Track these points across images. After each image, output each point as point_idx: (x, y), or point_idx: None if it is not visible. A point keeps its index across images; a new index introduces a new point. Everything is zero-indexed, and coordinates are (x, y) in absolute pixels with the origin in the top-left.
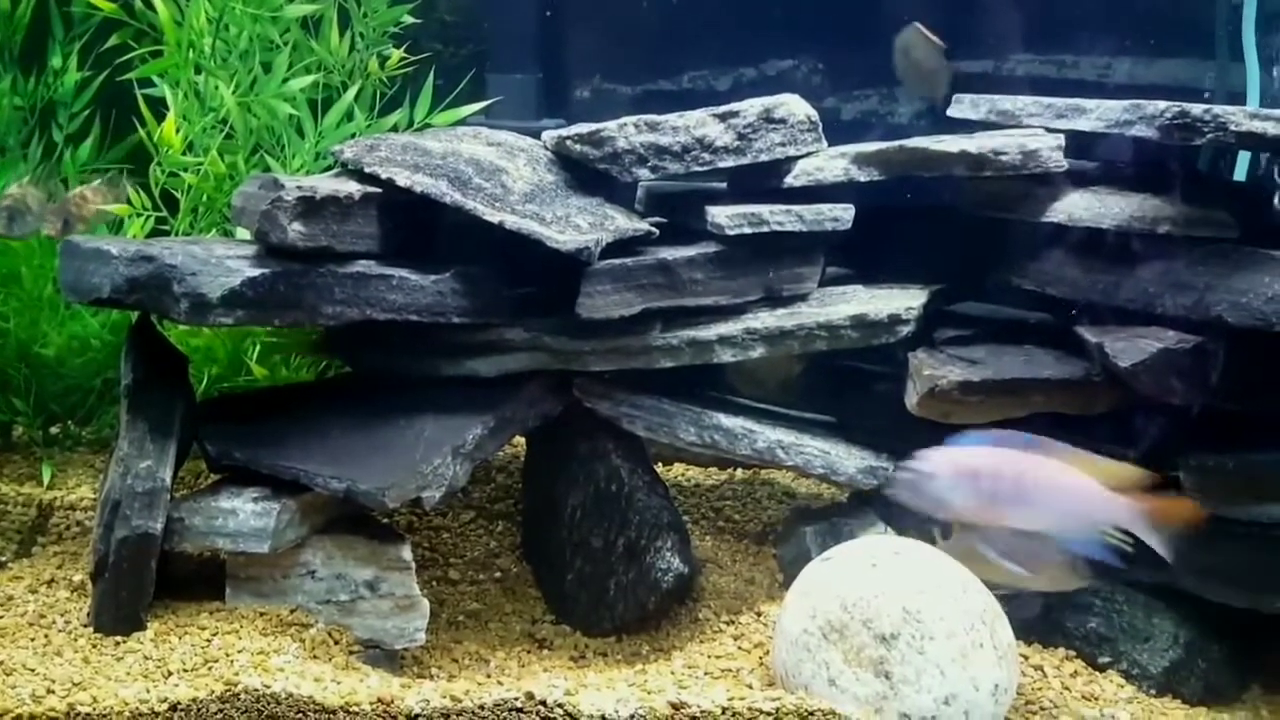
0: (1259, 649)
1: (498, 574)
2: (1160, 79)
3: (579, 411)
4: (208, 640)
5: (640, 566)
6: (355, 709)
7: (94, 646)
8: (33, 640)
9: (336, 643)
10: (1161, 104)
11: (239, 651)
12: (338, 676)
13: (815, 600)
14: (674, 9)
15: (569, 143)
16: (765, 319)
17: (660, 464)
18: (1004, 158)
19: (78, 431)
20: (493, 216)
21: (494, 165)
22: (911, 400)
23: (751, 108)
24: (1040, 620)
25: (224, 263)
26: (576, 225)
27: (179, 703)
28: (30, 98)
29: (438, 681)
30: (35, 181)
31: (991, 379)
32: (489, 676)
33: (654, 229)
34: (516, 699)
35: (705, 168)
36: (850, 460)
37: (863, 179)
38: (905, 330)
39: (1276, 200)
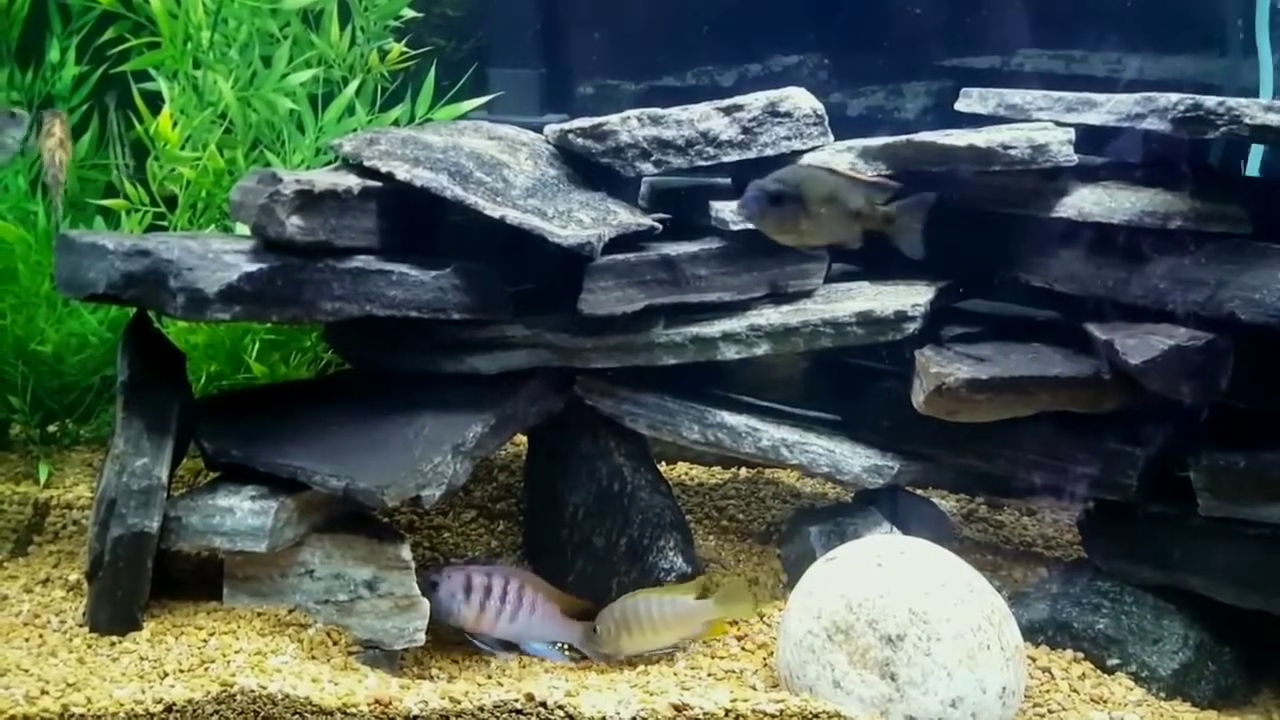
0: (1270, 651)
1: None
2: (1169, 74)
3: (581, 409)
4: (204, 640)
5: (643, 566)
6: (353, 710)
7: (89, 647)
8: (27, 640)
9: (335, 643)
10: (1174, 96)
11: (236, 652)
12: (335, 677)
13: (820, 601)
14: (678, 4)
15: (571, 137)
16: (770, 316)
17: (663, 463)
18: (1012, 152)
19: (75, 429)
20: (494, 211)
21: (495, 159)
22: (918, 398)
23: (756, 101)
24: (1048, 622)
25: (221, 257)
26: (579, 220)
27: (174, 704)
28: (28, 92)
29: (437, 682)
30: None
31: (999, 377)
32: (489, 677)
33: (657, 224)
34: (516, 700)
35: (709, 162)
36: (856, 459)
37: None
38: (911, 327)
39: None
